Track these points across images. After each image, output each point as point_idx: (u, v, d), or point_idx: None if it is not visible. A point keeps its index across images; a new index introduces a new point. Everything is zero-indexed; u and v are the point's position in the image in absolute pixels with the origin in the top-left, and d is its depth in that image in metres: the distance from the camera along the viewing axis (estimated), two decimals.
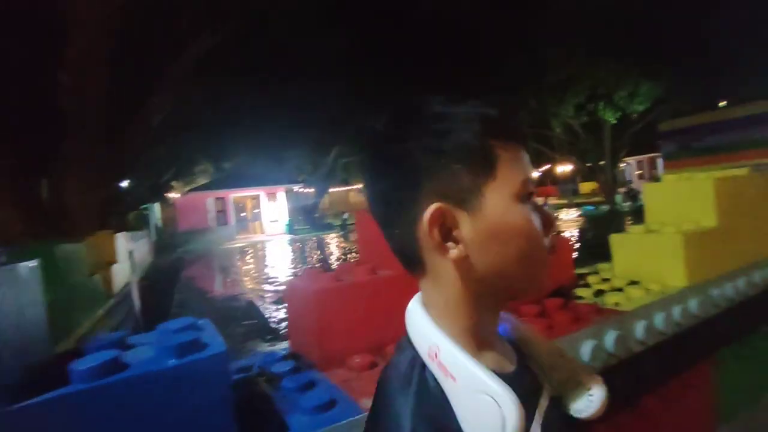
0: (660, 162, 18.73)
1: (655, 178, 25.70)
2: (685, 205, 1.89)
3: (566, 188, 31.56)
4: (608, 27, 13.51)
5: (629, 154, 22.89)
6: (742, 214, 1.94)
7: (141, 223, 16.47)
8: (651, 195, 2.03)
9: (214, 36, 7.89)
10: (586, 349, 1.34)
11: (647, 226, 1.91)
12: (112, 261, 5.83)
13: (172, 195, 20.57)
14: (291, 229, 22.73)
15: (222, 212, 22.03)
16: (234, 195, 22.46)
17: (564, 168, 31.13)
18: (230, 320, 5.40)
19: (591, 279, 1.90)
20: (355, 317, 1.33)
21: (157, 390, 0.79)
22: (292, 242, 18.75)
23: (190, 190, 20.80)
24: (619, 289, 1.71)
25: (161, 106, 7.62)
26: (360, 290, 1.34)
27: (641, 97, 15.24)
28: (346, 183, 33.07)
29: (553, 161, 25.22)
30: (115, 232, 6.51)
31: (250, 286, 8.74)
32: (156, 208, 20.65)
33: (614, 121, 16.87)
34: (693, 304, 1.68)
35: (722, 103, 13.25)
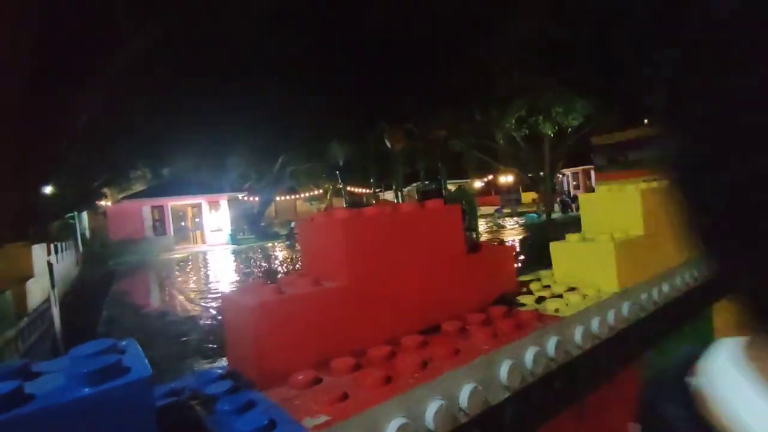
0: (593, 174, 20.05)
1: (589, 189, 27.50)
2: (616, 215, 2.00)
3: (509, 197, 32.95)
4: (545, 47, 14.39)
5: (566, 166, 24.36)
6: (665, 223, 2.08)
7: (66, 233, 15.20)
8: (586, 205, 2.13)
9: (150, 35, 7.51)
10: (529, 356, 1.37)
11: (583, 234, 2.00)
12: (27, 275, 5.29)
13: (104, 203, 19.21)
14: (234, 238, 21.95)
15: (159, 221, 20.84)
16: (173, 203, 21.35)
17: (507, 178, 32.51)
18: (166, 337, 5.07)
19: (533, 286, 1.95)
20: (297, 331, 1.28)
21: (68, 424, 0.70)
22: (235, 252, 18.08)
23: (125, 198, 19.55)
24: (559, 296, 1.77)
25: (90, 106, 7.10)
26: (302, 303, 1.28)
27: (575, 113, 16.31)
28: (293, 191, 32.59)
29: (497, 171, 26.31)
30: (33, 243, 5.91)
31: (189, 300, 8.30)
32: (84, 217, 19.19)
33: (552, 135, 17.90)
34: (624, 308, 1.78)
35: (646, 121, 14.48)
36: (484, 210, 32.75)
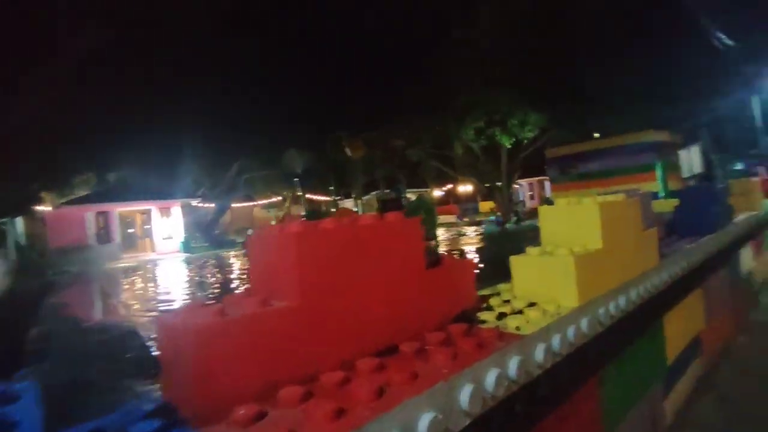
0: (547, 185, 20.78)
1: (543, 199, 28.51)
2: (575, 228, 2.00)
3: (467, 207, 33.58)
4: (502, 61, 14.88)
5: (522, 177, 25.16)
6: (621, 236, 2.11)
7: None
8: (545, 217, 2.12)
9: (93, 37, 7.06)
10: (490, 379, 1.30)
11: (543, 247, 1.98)
12: None
13: (42, 208, 17.88)
14: (187, 246, 21.01)
15: (104, 228, 19.58)
16: (120, 209, 20.15)
17: (466, 187, 33.17)
18: (105, 354, 4.68)
19: (493, 301, 1.90)
20: (241, 357, 1.15)
21: None
22: (188, 261, 17.31)
23: (66, 203, 18.28)
24: (519, 312, 1.73)
25: (26, 106, 6.58)
26: (247, 326, 1.16)
27: (530, 126, 16.90)
28: (250, 198, 31.72)
29: (456, 181, 26.77)
30: None
31: (133, 313, 7.79)
32: (19, 223, 17.76)
33: (509, 146, 18.44)
34: (584, 323, 1.76)
35: (596, 135, 15.20)
36: (443, 219, 33.22)
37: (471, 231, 20.56)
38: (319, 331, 1.27)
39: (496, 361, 1.35)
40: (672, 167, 10.68)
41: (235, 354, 1.12)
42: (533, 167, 22.94)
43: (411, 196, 18.87)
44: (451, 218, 32.17)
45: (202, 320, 1.11)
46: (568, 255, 1.79)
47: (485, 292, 2.12)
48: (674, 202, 4.08)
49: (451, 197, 35.59)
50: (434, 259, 1.69)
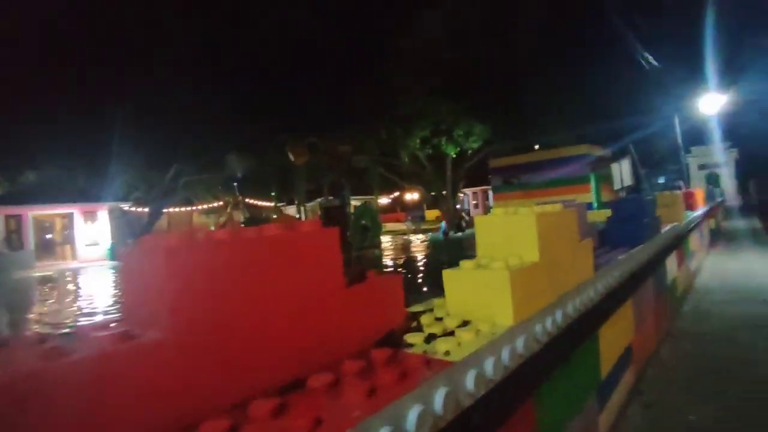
0: (491, 194, 21.39)
1: (487, 208, 29.38)
2: (511, 239, 1.87)
3: (414, 215, 33.94)
4: (448, 72, 15.17)
5: (467, 186, 25.78)
6: (558, 248, 2.01)
7: None
8: (481, 228, 1.98)
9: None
10: (412, 417, 1.11)
11: (478, 260, 1.84)
12: None
13: None
14: (115, 254, 19.47)
15: (16, 233, 17.60)
16: (36, 212, 18.23)
17: (413, 195, 33.52)
18: None
19: (424, 319, 1.73)
20: (85, 413, 0.87)
21: None
22: (115, 269, 16.01)
23: None
24: (451, 333, 1.56)
25: None
26: (92, 370, 0.88)
27: (475, 136, 17.32)
28: (189, 203, 30.16)
29: (403, 189, 26.95)
30: None
31: (43, 328, 6.96)
32: None
33: (454, 156, 18.78)
34: (519, 343, 1.62)
35: (536, 147, 15.87)
36: (390, 226, 33.35)
37: (417, 239, 20.68)
38: (200, 369, 1.02)
39: (421, 395, 1.16)
40: (604, 179, 11.32)
41: (66, 413, 0.83)
42: (478, 177, 23.58)
43: (357, 203, 18.69)
44: (399, 226, 32.36)
45: (21, 366, 0.82)
46: (502, 269, 1.65)
47: (418, 308, 1.95)
48: (607, 212, 4.17)
49: (398, 205, 35.83)
50: (357, 275, 1.49)
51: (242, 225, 16.90)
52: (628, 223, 3.74)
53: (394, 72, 15.23)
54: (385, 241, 25.48)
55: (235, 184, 17.99)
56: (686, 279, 6.07)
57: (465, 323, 1.66)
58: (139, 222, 21.48)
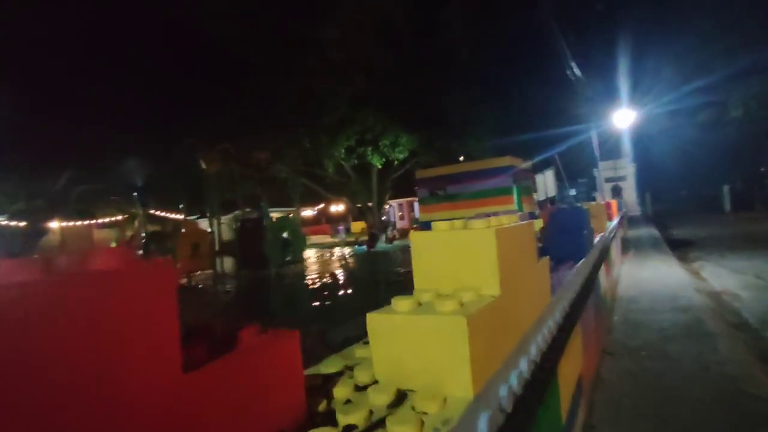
0: (416, 205, 21.39)
1: (413, 220, 29.47)
2: (462, 264, 1.34)
3: (341, 227, 33.22)
4: (371, 72, 14.86)
5: (393, 197, 25.64)
6: (519, 272, 1.52)
7: None
8: (419, 248, 1.43)
9: None
10: None
11: (416, 296, 1.27)
12: None
13: None
14: None
15: None
16: None
17: (338, 207, 32.83)
18: None
19: (339, 392, 1.13)
20: None
21: None
22: None
23: None
24: (381, 422, 0.97)
25: None
26: None
27: (401, 147, 17.14)
28: (90, 216, 26.91)
29: (328, 200, 26.17)
30: None
31: None
32: None
33: (380, 166, 18.46)
34: (481, 424, 1.08)
35: (461, 158, 16.08)
36: (315, 239, 32.31)
37: (343, 251, 20.01)
38: None
39: None
40: (526, 190, 11.58)
41: None
42: (405, 188, 23.55)
43: (281, 215, 17.64)
44: (325, 238, 31.40)
45: None
46: (456, 314, 1.10)
47: (331, 367, 1.33)
48: (539, 223, 3.88)
49: (323, 217, 34.92)
50: (216, 342, 0.84)
51: (143, 241, 15.03)
52: (567, 234, 3.45)
53: (316, 70, 14.57)
54: (311, 255, 24.49)
55: (135, 194, 16.02)
56: (611, 289, 6.09)
57: (400, 397, 1.09)
58: (17, 239, 18.50)
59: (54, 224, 19.65)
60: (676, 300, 5.85)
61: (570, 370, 2.46)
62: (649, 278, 7.60)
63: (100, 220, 27.15)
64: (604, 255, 4.62)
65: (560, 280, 2.60)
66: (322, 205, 31.08)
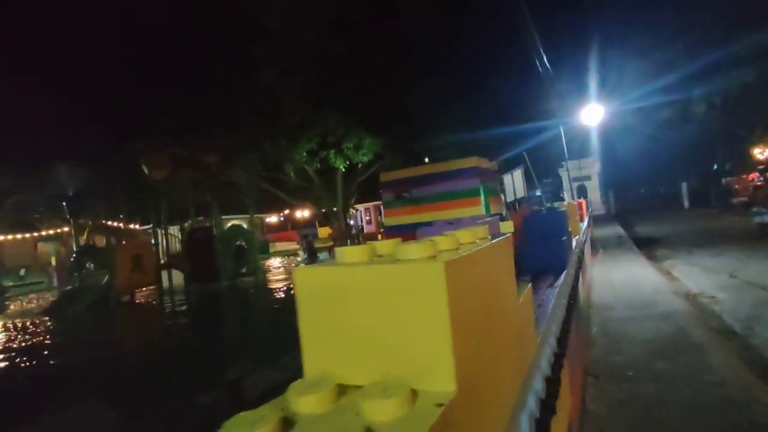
0: (382, 209, 20.81)
1: (380, 224, 28.87)
2: (386, 328, 0.70)
3: (308, 233, 32.23)
4: (324, 63, 14.16)
5: (359, 201, 24.95)
6: (489, 332, 0.90)
7: None
8: (311, 295, 0.78)
9: None
10: None
11: (297, 391, 0.62)
12: None
13: None
14: None
15: None
16: None
17: (304, 213, 31.84)
18: None
19: None
20: None
21: None
22: None
23: None
24: None
25: None
26: None
27: (365, 149, 16.50)
28: (33, 228, 24.92)
29: (291, 206, 25.19)
30: None
31: None
32: None
33: (344, 170, 17.76)
34: None
35: (426, 160, 15.59)
36: (281, 246, 31.18)
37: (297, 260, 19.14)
38: None
39: None
40: (493, 192, 11.19)
41: None
42: (371, 192, 22.91)
43: (239, 223, 16.65)
44: (290, 245, 30.32)
45: None
46: None
47: None
48: (509, 225, 3.34)
49: (289, 223, 33.83)
50: None
51: (74, 256, 13.62)
52: (545, 241, 2.90)
53: (262, 59, 13.69)
54: (272, 263, 23.44)
55: (64, 204, 14.65)
56: (586, 294, 5.66)
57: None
58: None
59: None
60: (655, 306, 5.47)
61: (559, 416, 1.89)
62: (623, 281, 7.27)
63: (44, 232, 25.23)
64: (581, 262, 4.13)
65: (542, 303, 2.03)
66: (287, 211, 30.02)
